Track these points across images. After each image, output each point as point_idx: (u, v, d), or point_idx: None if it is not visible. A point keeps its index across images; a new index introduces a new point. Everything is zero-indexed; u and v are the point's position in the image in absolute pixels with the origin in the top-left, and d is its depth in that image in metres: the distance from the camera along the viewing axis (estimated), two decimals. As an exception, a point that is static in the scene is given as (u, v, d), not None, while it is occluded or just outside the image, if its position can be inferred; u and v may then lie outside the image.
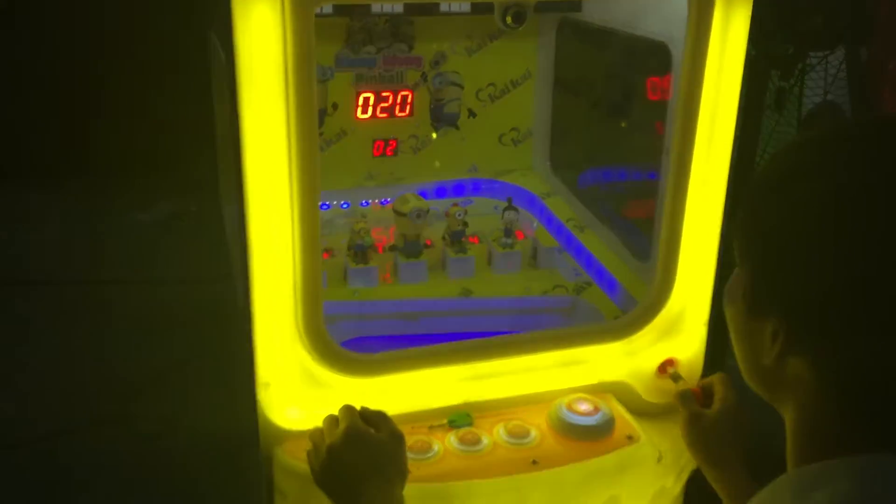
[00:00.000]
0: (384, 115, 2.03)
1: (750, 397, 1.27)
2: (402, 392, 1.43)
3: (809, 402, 0.83)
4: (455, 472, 1.36)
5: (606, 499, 1.44)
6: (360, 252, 1.82)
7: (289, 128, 1.22)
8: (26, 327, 3.63)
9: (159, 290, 3.95)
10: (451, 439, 1.41)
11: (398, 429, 1.27)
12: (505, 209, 1.92)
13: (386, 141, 2.09)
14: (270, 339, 1.33)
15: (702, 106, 1.39)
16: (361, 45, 1.92)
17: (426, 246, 1.89)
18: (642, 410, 1.55)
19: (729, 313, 0.93)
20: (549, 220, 2.05)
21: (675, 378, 1.51)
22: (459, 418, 1.45)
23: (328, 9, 1.79)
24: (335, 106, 2.00)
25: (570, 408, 1.46)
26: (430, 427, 1.44)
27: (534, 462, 1.38)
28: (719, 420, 1.33)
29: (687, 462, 1.52)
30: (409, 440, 1.32)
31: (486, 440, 1.41)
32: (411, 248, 1.86)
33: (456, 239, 1.90)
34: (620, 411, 1.50)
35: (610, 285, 1.78)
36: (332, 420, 1.28)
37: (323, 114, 1.95)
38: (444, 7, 1.86)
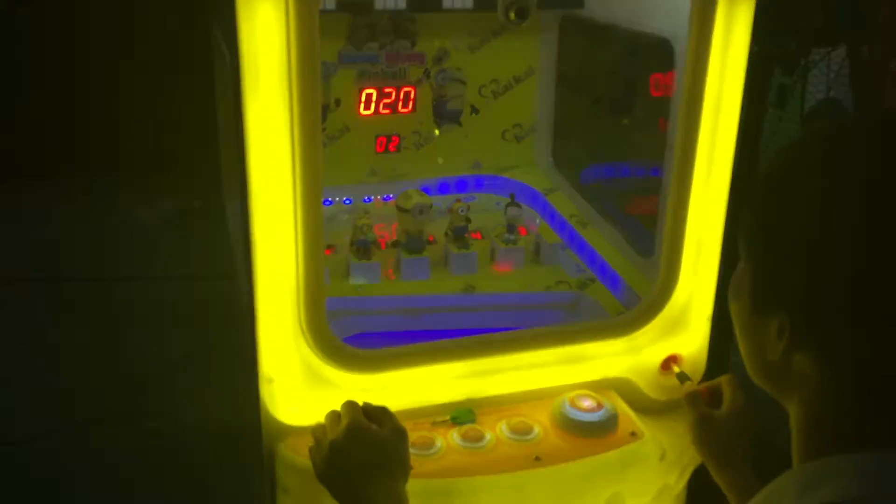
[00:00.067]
0: (387, 111, 2.03)
1: (753, 394, 1.28)
2: (404, 388, 1.43)
3: (815, 397, 0.83)
4: (458, 469, 1.36)
5: (609, 496, 1.43)
6: (363, 248, 1.82)
7: (292, 124, 1.22)
8: (30, 325, 3.63)
9: (162, 287, 3.95)
10: (454, 436, 1.41)
11: (401, 424, 1.27)
12: (508, 205, 1.92)
13: (388, 137, 2.09)
14: (273, 334, 1.33)
15: (705, 102, 1.39)
16: (364, 42, 1.92)
17: (429, 242, 1.89)
18: (645, 407, 1.54)
19: (734, 309, 0.93)
20: (551, 216, 2.05)
21: (682, 379, 1.50)
22: (462, 415, 1.45)
23: (331, 5, 1.79)
24: (338, 102, 2.00)
25: (573, 404, 1.46)
26: (433, 423, 1.44)
27: (536, 459, 1.38)
28: (728, 421, 1.32)
29: (690, 460, 1.52)
30: (412, 436, 1.32)
31: (488, 436, 1.41)
32: (414, 244, 1.86)
33: (459, 235, 1.90)
34: (623, 408, 1.50)
35: (613, 281, 1.77)
36: (334, 416, 1.28)
37: (325, 110, 1.95)
38: (446, 3, 1.85)
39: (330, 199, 2.07)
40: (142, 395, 3.13)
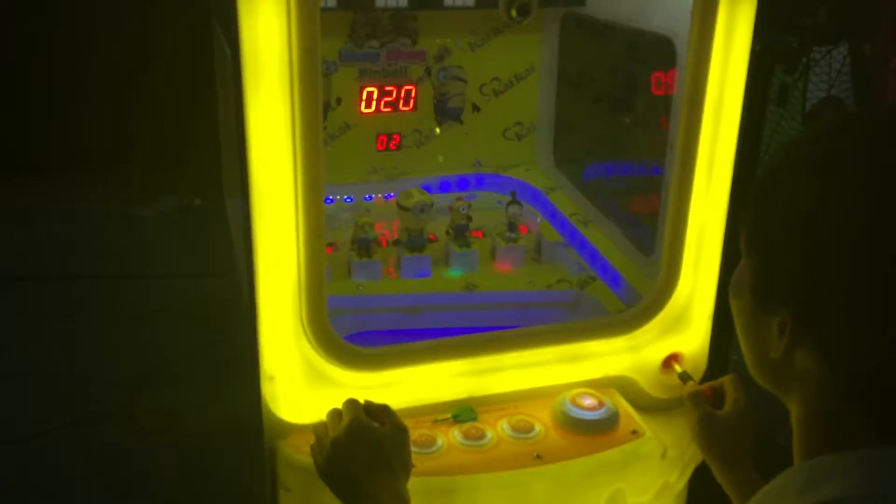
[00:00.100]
0: (388, 109, 2.03)
1: (753, 393, 1.28)
2: (405, 386, 1.43)
3: (816, 395, 0.83)
4: (459, 467, 1.36)
5: (610, 494, 1.43)
6: (364, 246, 1.82)
7: (293, 122, 1.22)
8: (32, 323, 3.63)
9: (164, 285, 3.95)
10: (455, 434, 1.42)
11: (402, 422, 1.27)
12: (509, 204, 1.92)
13: (389, 135, 2.09)
14: (275, 332, 1.33)
15: (706, 101, 1.39)
16: (365, 40, 1.92)
17: (430, 240, 1.89)
18: (646, 405, 1.55)
19: (735, 307, 0.93)
20: (552, 215, 2.05)
21: (685, 378, 1.50)
22: (463, 413, 1.45)
23: (332, 3, 1.79)
24: (339, 100, 2.00)
25: (574, 402, 1.46)
26: (434, 421, 1.44)
27: (538, 456, 1.38)
28: (730, 421, 1.32)
29: (691, 458, 1.52)
30: (413, 434, 1.33)
31: (489, 434, 1.42)
32: (415, 242, 1.86)
33: (459, 233, 1.90)
34: (624, 406, 1.50)
35: (614, 280, 1.78)
36: (335, 414, 1.28)
37: (326, 108, 1.95)
38: (447, 1, 1.86)
39: (331, 197, 2.07)
40: (144, 392, 3.13)
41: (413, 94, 2.03)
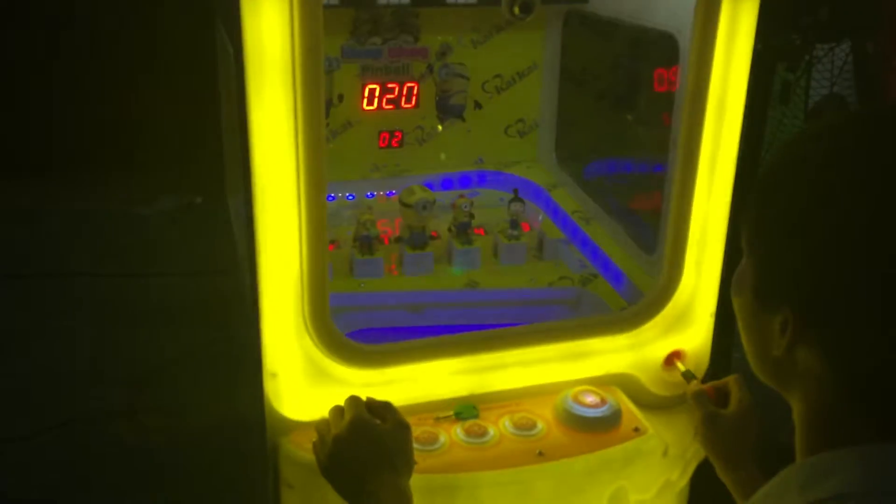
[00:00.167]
0: (390, 106, 2.03)
1: (756, 391, 1.28)
2: (408, 383, 1.43)
3: (818, 392, 0.83)
4: (461, 464, 1.36)
5: (612, 491, 1.43)
6: (366, 243, 1.82)
7: (296, 119, 1.22)
8: (33, 321, 3.64)
9: (166, 283, 3.95)
10: (458, 431, 1.42)
11: (404, 420, 1.27)
12: (511, 201, 1.92)
13: (391, 132, 2.09)
14: (277, 330, 1.33)
15: (709, 98, 1.39)
16: (367, 37, 1.92)
17: (432, 237, 1.89)
18: (649, 403, 1.55)
19: (737, 304, 0.93)
20: (554, 212, 2.05)
21: (688, 377, 1.50)
22: (465, 410, 1.45)
23: (334, 0, 1.79)
24: (341, 97, 2.00)
25: (576, 400, 1.46)
26: (437, 418, 1.44)
27: (540, 454, 1.38)
28: (735, 420, 1.32)
29: (693, 456, 1.52)
30: (416, 431, 1.32)
31: (492, 432, 1.42)
32: (417, 239, 1.86)
33: (462, 230, 1.90)
34: (627, 403, 1.50)
35: (616, 277, 1.78)
36: (338, 411, 1.28)
37: (329, 105, 1.95)
38: (450, -2, 1.86)
39: (333, 194, 2.07)
40: (146, 390, 3.13)
41: (415, 92, 2.03)
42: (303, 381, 1.36)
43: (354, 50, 1.93)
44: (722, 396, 1.37)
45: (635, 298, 1.63)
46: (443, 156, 2.12)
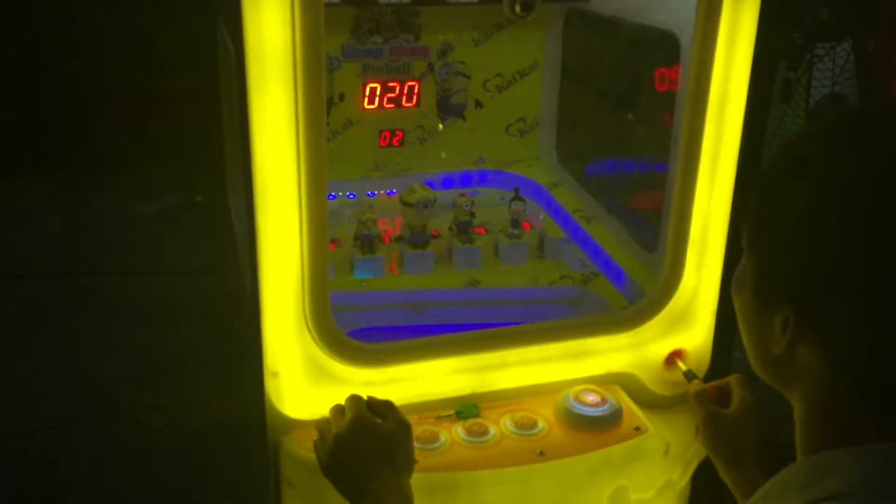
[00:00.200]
0: (391, 105, 2.03)
1: (756, 391, 1.28)
2: (408, 382, 1.43)
3: (819, 390, 0.83)
4: (462, 463, 1.36)
5: (613, 490, 1.44)
6: (367, 242, 1.82)
7: (297, 118, 1.21)
8: (33, 320, 3.64)
9: (167, 281, 3.95)
10: (458, 430, 1.42)
11: (405, 418, 1.27)
12: (512, 200, 1.92)
13: (392, 131, 2.09)
14: (278, 329, 1.33)
15: (710, 97, 1.39)
16: (368, 35, 1.92)
17: (433, 236, 1.89)
18: (650, 402, 1.54)
19: (737, 304, 0.93)
20: (555, 211, 2.05)
21: (690, 377, 1.50)
22: (466, 409, 1.45)
23: (335, -2, 1.79)
24: (342, 96, 1.99)
25: (577, 399, 1.46)
26: (437, 417, 1.44)
27: (541, 453, 1.38)
28: (736, 420, 1.32)
29: (694, 455, 1.52)
30: (416, 430, 1.33)
31: (493, 431, 1.42)
32: (418, 238, 1.86)
33: (463, 229, 1.90)
34: (628, 403, 1.50)
35: (617, 276, 1.77)
36: (338, 410, 1.28)
37: (329, 104, 1.94)
38: (450, -3, 1.86)
39: (334, 193, 2.07)
40: (147, 389, 3.13)
41: (416, 90, 2.03)
42: (304, 379, 1.36)
43: (355, 49, 1.93)
44: (723, 396, 1.37)
45: (636, 297, 1.63)
46: (444, 155, 2.12)
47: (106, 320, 3.60)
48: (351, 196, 2.09)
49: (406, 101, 2.03)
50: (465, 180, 2.19)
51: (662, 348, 1.55)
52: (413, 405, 1.40)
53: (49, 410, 2.99)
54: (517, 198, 1.92)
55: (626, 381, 1.55)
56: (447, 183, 2.16)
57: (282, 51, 1.18)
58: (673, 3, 1.51)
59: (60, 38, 5.03)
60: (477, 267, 1.86)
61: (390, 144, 2.09)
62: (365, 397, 1.30)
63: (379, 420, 1.25)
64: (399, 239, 1.88)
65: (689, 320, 1.54)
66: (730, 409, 1.34)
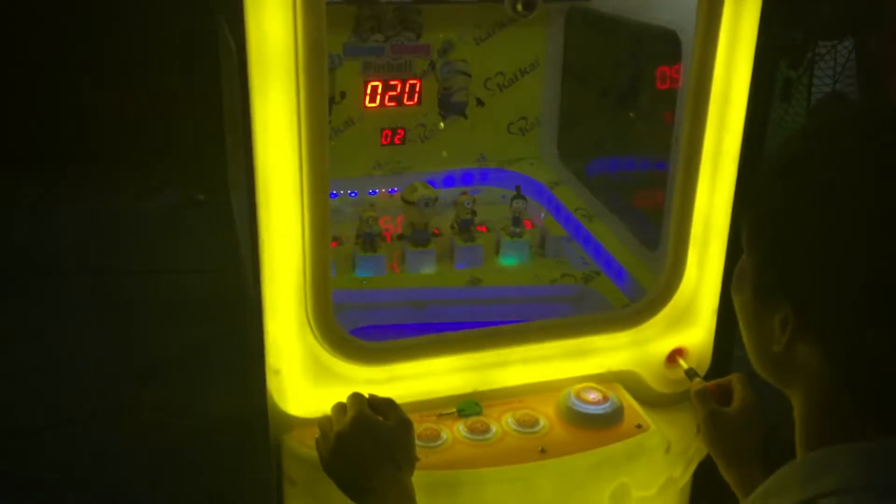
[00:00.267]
0: (392, 103, 2.03)
1: (757, 389, 1.28)
2: (410, 380, 1.43)
3: (818, 388, 0.83)
4: (463, 461, 1.36)
5: (614, 488, 1.44)
6: (369, 241, 1.82)
7: (299, 116, 1.22)
8: (35, 317, 3.64)
9: (169, 280, 3.96)
10: (460, 428, 1.42)
11: (406, 416, 1.27)
12: (513, 198, 1.92)
13: (394, 130, 2.09)
14: (280, 327, 1.33)
15: (712, 95, 1.39)
16: (370, 34, 1.92)
17: (434, 235, 1.89)
18: (651, 400, 1.55)
19: (737, 302, 0.93)
20: (557, 210, 2.05)
21: (691, 375, 1.50)
22: (468, 407, 1.46)
23: (337, -3, 1.79)
24: (343, 94, 2.00)
25: (578, 397, 1.46)
26: (439, 415, 1.44)
27: (542, 451, 1.38)
28: (738, 418, 1.32)
29: (695, 453, 1.52)
30: (418, 428, 1.33)
31: (494, 429, 1.42)
32: (419, 236, 1.86)
33: (464, 228, 1.90)
34: (629, 400, 1.51)
35: (618, 274, 1.78)
36: (340, 407, 1.28)
37: (331, 102, 1.95)
38: (452, -5, 1.86)
39: (335, 191, 2.07)
40: (149, 387, 3.14)
41: (417, 89, 2.03)
42: (305, 377, 1.36)
43: (357, 47, 1.93)
44: (724, 394, 1.37)
45: (638, 296, 1.63)
46: (445, 153, 2.12)
47: (107, 319, 3.61)
48: (352, 194, 2.09)
49: (407, 100, 2.03)
50: (467, 178, 2.19)
51: (664, 346, 1.55)
52: (414, 403, 1.40)
53: (49, 409, 2.99)
54: (518, 196, 1.93)
55: (627, 380, 1.55)
56: (448, 181, 2.16)
57: (284, 49, 1.18)
58: (674, 2, 1.51)
59: (62, 36, 5.03)
60: (478, 265, 1.86)
61: (392, 143, 2.09)
62: (366, 395, 1.30)
63: (380, 418, 1.25)
64: (400, 237, 1.89)
65: (691, 318, 1.54)
66: (731, 408, 1.34)
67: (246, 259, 1.54)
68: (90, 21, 4.98)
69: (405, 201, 1.85)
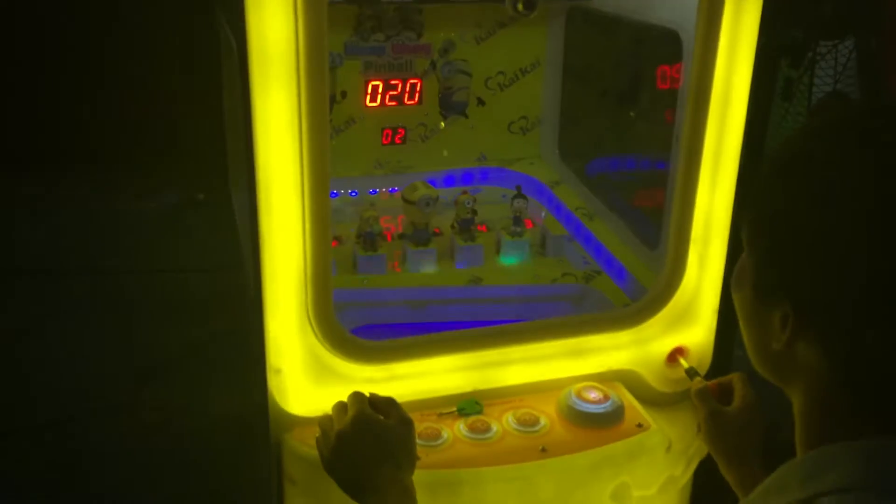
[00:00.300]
0: (393, 103, 2.03)
1: (758, 389, 1.28)
2: (411, 379, 1.43)
3: (818, 386, 0.83)
4: (464, 460, 1.36)
5: (615, 487, 1.44)
6: (369, 240, 1.82)
7: (300, 115, 1.22)
8: (36, 317, 3.64)
9: (169, 279, 3.95)
10: (461, 427, 1.42)
11: (407, 415, 1.27)
12: (514, 197, 1.92)
13: (394, 129, 2.09)
14: (281, 326, 1.33)
15: (712, 94, 1.39)
16: (370, 33, 1.92)
17: (435, 234, 1.89)
18: (652, 399, 1.55)
19: (737, 300, 0.93)
20: (557, 209, 2.05)
21: (691, 374, 1.50)
22: (469, 406, 1.46)
23: (338, -4, 1.79)
24: (344, 94, 2.00)
25: (579, 396, 1.47)
26: (440, 414, 1.44)
27: (543, 450, 1.39)
28: (739, 418, 1.32)
29: (696, 451, 1.52)
30: (419, 427, 1.33)
31: (495, 428, 1.42)
32: (420, 236, 1.86)
33: (465, 227, 1.90)
34: (630, 400, 1.51)
35: (619, 274, 1.78)
36: (341, 406, 1.28)
37: (331, 101, 1.95)
38: (453, -6, 1.86)
39: (336, 191, 2.07)
40: (150, 386, 3.14)
41: (418, 88, 2.03)
42: (306, 376, 1.37)
43: (357, 46, 1.93)
44: (725, 393, 1.37)
45: (638, 295, 1.63)
46: (445, 152, 2.12)
47: (107, 318, 3.61)
48: (353, 194, 2.09)
49: (408, 99, 2.03)
50: (467, 178, 2.19)
51: (664, 345, 1.55)
52: (415, 402, 1.41)
53: (49, 409, 2.99)
54: (519, 195, 1.93)
55: (628, 379, 1.55)
56: (449, 181, 2.16)
57: (285, 48, 1.18)
58: (675, 1, 1.51)
59: (62, 36, 5.03)
60: (479, 264, 1.86)
61: (392, 142, 2.09)
62: (367, 394, 1.30)
63: (381, 417, 1.25)
64: (401, 236, 1.89)
65: (691, 318, 1.54)
66: (731, 407, 1.34)
67: (247, 258, 1.54)
68: (90, 21, 4.97)
69: (406, 201, 1.85)
